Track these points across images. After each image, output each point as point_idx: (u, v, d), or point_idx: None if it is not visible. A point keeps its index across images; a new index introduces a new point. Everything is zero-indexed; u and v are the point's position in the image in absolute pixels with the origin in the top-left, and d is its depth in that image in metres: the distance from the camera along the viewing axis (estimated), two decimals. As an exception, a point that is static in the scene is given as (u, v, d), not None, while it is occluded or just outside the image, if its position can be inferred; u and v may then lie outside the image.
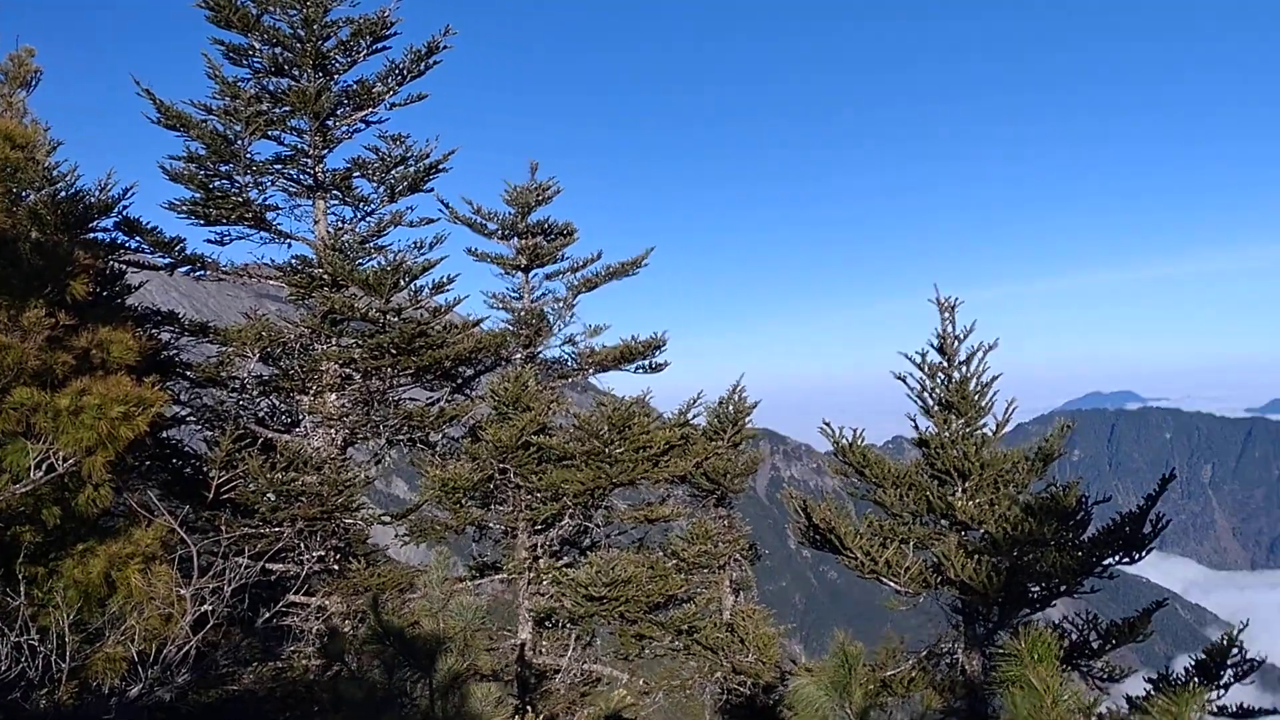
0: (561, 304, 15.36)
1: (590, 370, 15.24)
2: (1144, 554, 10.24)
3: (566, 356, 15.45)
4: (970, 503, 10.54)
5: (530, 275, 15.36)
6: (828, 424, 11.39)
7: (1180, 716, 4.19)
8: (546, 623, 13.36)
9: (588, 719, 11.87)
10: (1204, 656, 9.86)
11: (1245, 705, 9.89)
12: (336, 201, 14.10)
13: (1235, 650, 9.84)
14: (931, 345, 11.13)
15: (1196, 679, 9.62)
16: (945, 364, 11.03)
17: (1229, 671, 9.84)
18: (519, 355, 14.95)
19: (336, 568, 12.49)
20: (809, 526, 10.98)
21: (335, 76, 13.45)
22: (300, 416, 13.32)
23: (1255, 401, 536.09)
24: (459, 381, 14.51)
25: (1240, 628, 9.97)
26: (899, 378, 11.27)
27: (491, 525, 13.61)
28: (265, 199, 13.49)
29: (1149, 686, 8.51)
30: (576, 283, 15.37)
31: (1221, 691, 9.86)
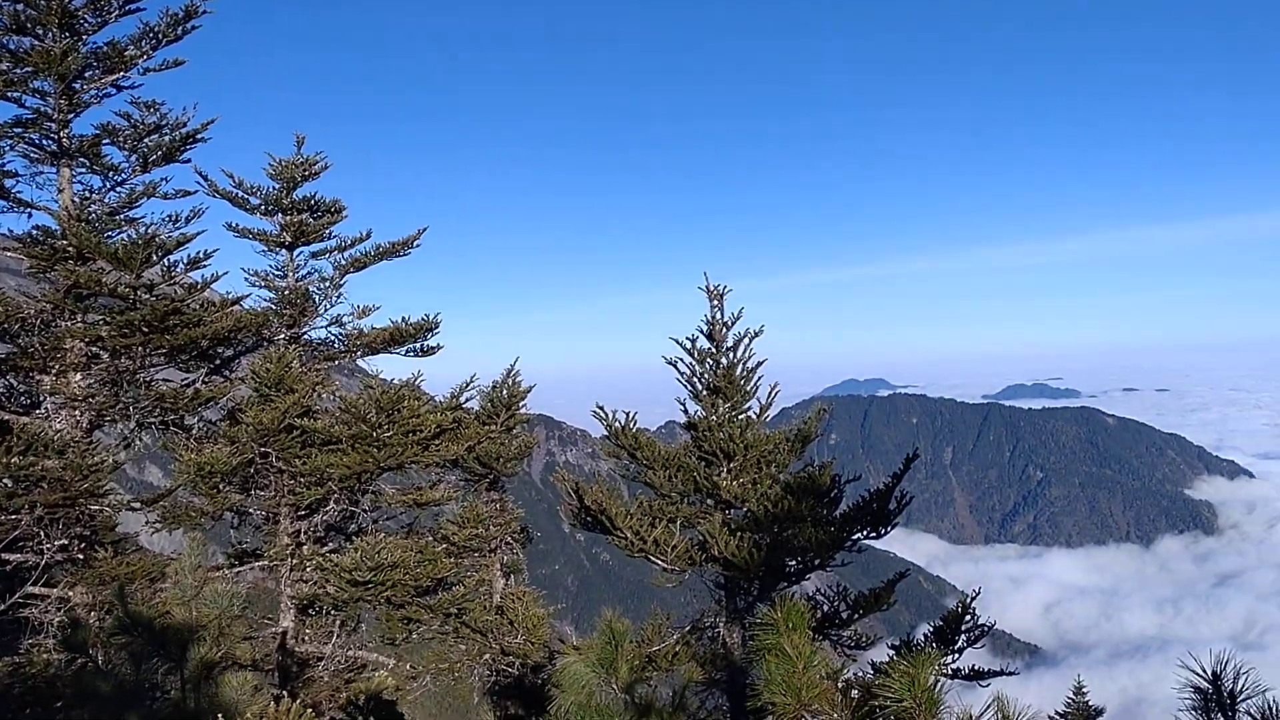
0: (328, 284, 14.84)
1: (359, 352, 14.81)
2: (889, 529, 10.96)
3: (333, 338, 14.95)
4: (735, 482, 10.95)
5: (295, 253, 14.75)
6: (601, 408, 11.56)
7: (918, 678, 4.45)
8: (310, 610, 12.95)
9: (348, 703, 11.59)
10: (941, 623, 10.69)
11: (977, 667, 10.78)
12: (84, 170, 13.09)
13: (968, 617, 10.71)
14: (701, 332, 11.46)
15: (934, 644, 10.41)
16: (714, 350, 11.39)
17: (963, 637, 10.70)
18: (282, 336, 14.35)
19: (81, 557, 11.68)
20: (581, 508, 11.11)
21: (84, 37, 12.48)
22: (41, 397, 12.35)
23: (991, 389, 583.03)
24: (217, 362, 13.80)
25: (973, 596, 10.85)
26: (670, 363, 11.54)
27: (252, 511, 13.04)
28: (4, 165, 12.40)
29: (891, 652, 9.16)
30: (344, 262, 14.88)
31: (956, 655, 10.71)
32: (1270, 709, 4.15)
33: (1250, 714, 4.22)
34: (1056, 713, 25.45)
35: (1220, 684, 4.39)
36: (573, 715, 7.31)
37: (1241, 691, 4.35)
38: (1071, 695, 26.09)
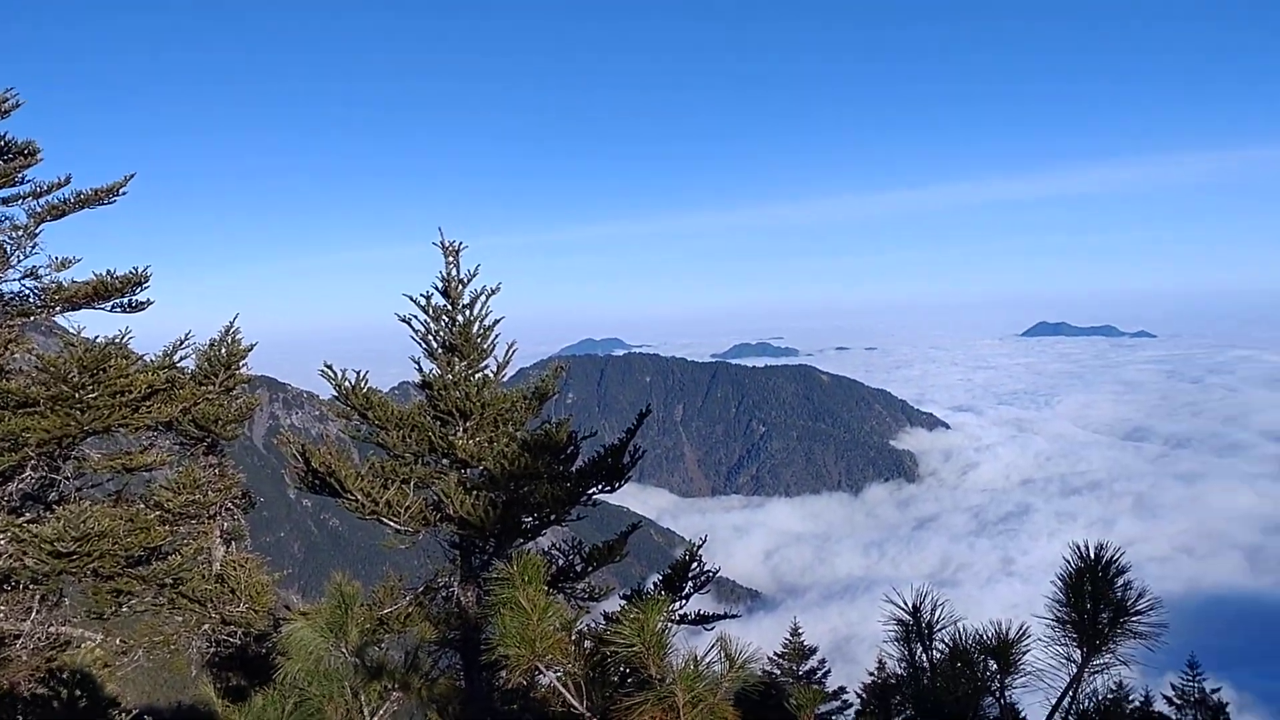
0: (21, 233, 13.38)
1: (58, 308, 13.45)
2: (622, 483, 11.21)
3: (28, 292, 13.50)
4: (471, 441, 10.84)
5: (-19, 198, 13.19)
6: (329, 367, 11.09)
7: (647, 624, 4.57)
8: (5, 585, 11.77)
9: (49, 678, 10.67)
10: (670, 572, 11.07)
11: (703, 612, 11.25)
12: None
13: (695, 565, 11.14)
14: (436, 288, 11.20)
15: (663, 592, 10.78)
16: (450, 307, 11.17)
17: (690, 584, 11.13)
18: (-35, 289, 12.83)
19: None
20: (308, 471, 10.66)
21: None
22: None
23: (719, 348, 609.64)
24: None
25: (699, 546, 11.29)
26: (404, 320, 11.22)
27: (-70, 482, 11.67)
28: None
29: (623, 602, 9.40)
30: (40, 210, 13.43)
31: (684, 601, 11.14)
32: (961, 636, 4.57)
33: (944, 641, 4.63)
34: (775, 653, 27.10)
35: (919, 616, 4.78)
36: (300, 682, 7.04)
37: (938, 622, 4.76)
38: (789, 636, 27.79)
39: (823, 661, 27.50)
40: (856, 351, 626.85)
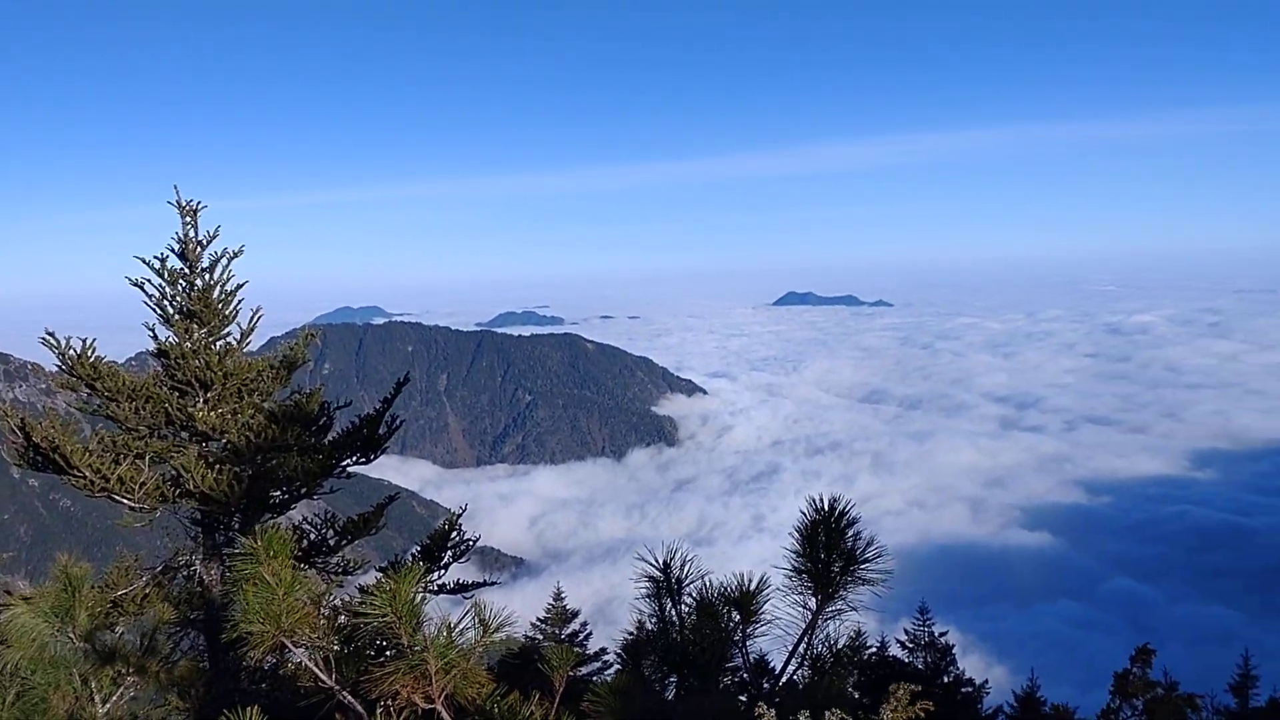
0: None
1: None
2: (378, 454, 10.95)
3: None
4: (213, 413, 10.27)
5: None
6: (51, 334, 10.19)
7: (399, 593, 4.50)
8: None
9: None
10: (428, 542, 10.92)
11: (463, 581, 11.17)
12: None
13: (454, 534, 11.04)
14: (173, 250, 10.49)
15: (422, 562, 10.62)
16: (187, 270, 10.49)
17: (449, 553, 11.02)
18: None
19: None
20: (29, 447, 9.79)
21: None
22: None
23: (484, 316, 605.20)
24: None
25: (459, 514, 11.19)
26: (136, 284, 10.45)
27: None
28: None
29: (379, 574, 9.21)
30: None
31: (443, 571, 11.02)
32: (707, 589, 4.75)
33: (693, 595, 4.80)
34: (538, 618, 27.29)
35: (670, 573, 4.93)
36: (24, 671, 6.52)
37: (687, 578, 4.92)
38: (552, 600, 28.04)
39: (585, 624, 27.92)
40: (620, 320, 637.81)
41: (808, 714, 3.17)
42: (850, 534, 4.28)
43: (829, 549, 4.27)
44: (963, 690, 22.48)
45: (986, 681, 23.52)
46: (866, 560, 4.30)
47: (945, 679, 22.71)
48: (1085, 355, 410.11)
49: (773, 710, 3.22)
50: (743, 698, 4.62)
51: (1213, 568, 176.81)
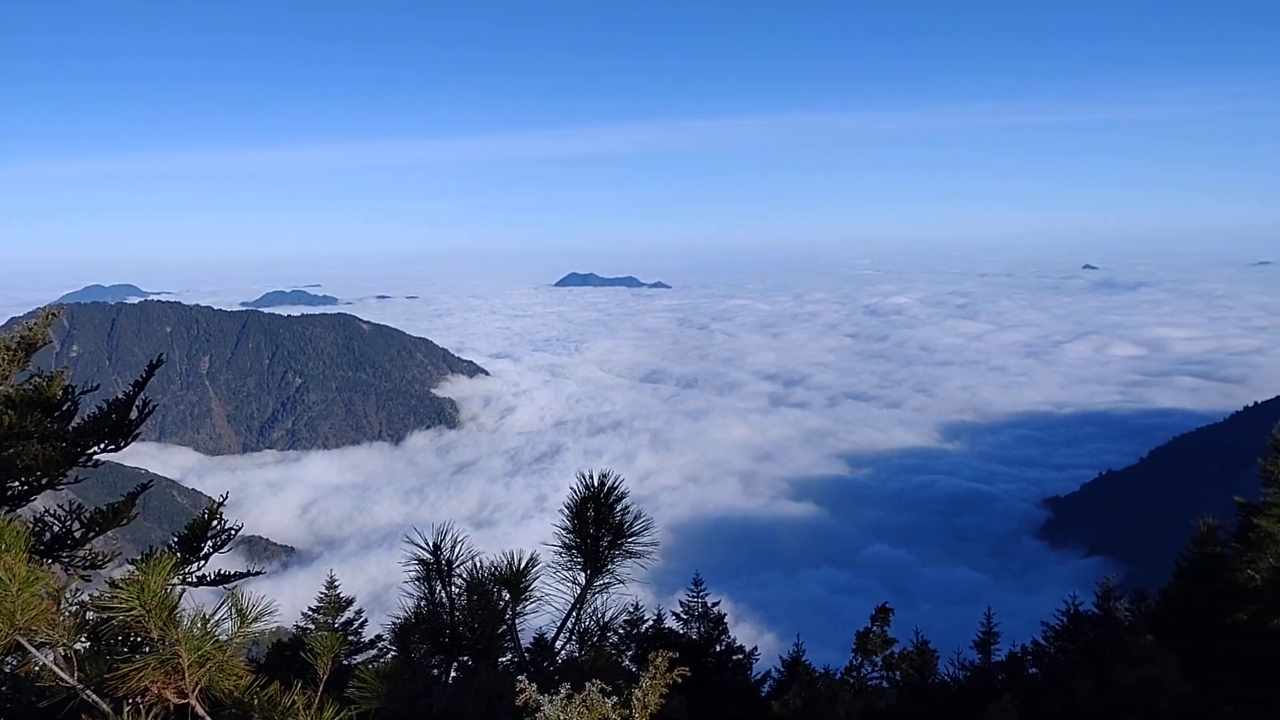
0: None
1: None
2: (129, 440, 10.24)
3: None
4: (-64, 399, 9.33)
5: None
6: None
7: (148, 586, 4.28)
8: None
9: None
10: (186, 532, 10.33)
11: (225, 572, 10.64)
12: None
13: (215, 523, 10.48)
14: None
15: (179, 553, 10.04)
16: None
17: (209, 543, 10.45)
18: None
19: None
20: None
21: None
22: None
23: (250, 296, 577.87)
24: None
25: (220, 503, 10.63)
26: None
27: None
28: None
29: (131, 567, 8.66)
30: None
31: (203, 562, 10.45)
32: (478, 569, 4.73)
33: (463, 576, 4.76)
34: (309, 608, 26.46)
35: (440, 555, 4.87)
36: None
37: (458, 559, 4.88)
38: (324, 589, 27.25)
39: (360, 611, 27.31)
40: (398, 300, 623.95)
41: (568, 686, 3.23)
42: (619, 509, 4.37)
43: (598, 524, 4.34)
44: (734, 658, 23.44)
45: (756, 648, 24.59)
46: (634, 534, 4.39)
47: (718, 647, 23.61)
48: (847, 335, 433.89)
49: (534, 685, 3.25)
50: (522, 677, 4.63)
51: (960, 532, 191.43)
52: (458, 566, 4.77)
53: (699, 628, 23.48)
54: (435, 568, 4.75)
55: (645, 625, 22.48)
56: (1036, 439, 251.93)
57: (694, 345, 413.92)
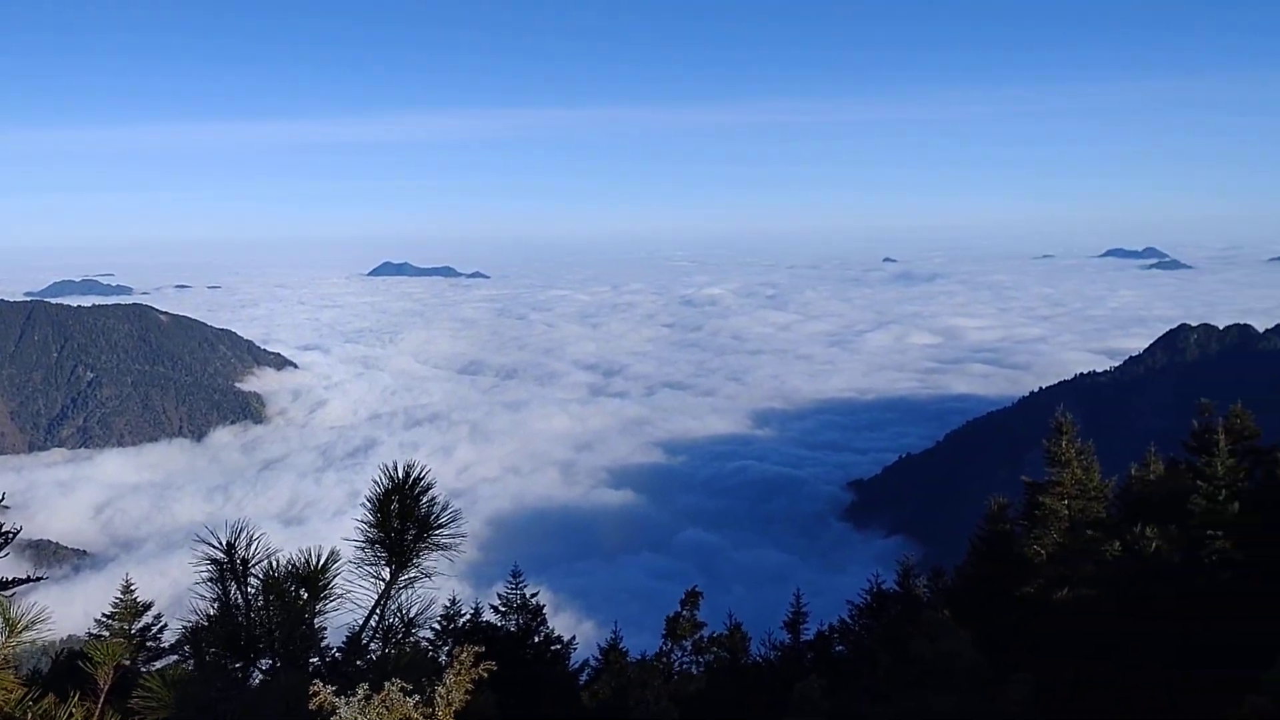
0: None
1: None
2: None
3: None
4: None
5: None
6: None
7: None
8: None
9: None
10: (-47, 539, 9.50)
11: (6, 578, 9.89)
12: None
13: (-11, 526, 9.70)
14: None
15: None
16: None
17: (-18, 548, 9.66)
18: None
19: None
20: None
21: None
22: None
23: (35, 285, 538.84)
24: None
25: (-3, 505, 9.84)
26: None
27: None
28: None
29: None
30: None
31: (-26, 570, 9.65)
32: (275, 568, 4.47)
33: (258, 575, 4.50)
34: (103, 614, 24.88)
35: (234, 553, 4.58)
36: None
37: (253, 557, 4.60)
38: (120, 594, 25.67)
39: (159, 616, 25.80)
40: (199, 290, 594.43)
41: (366, 686, 3.07)
42: (425, 500, 4.21)
43: (403, 516, 4.17)
44: (553, 648, 23.45)
45: (575, 637, 24.70)
46: (442, 526, 4.24)
47: (536, 638, 23.59)
48: (664, 325, 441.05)
49: (330, 687, 3.08)
50: (317, 680, 4.41)
51: (770, 515, 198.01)
52: (254, 565, 4.50)
53: (518, 619, 23.42)
54: (229, 567, 4.46)
55: (462, 619, 22.21)
56: (841, 424, 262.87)
57: (513, 336, 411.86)
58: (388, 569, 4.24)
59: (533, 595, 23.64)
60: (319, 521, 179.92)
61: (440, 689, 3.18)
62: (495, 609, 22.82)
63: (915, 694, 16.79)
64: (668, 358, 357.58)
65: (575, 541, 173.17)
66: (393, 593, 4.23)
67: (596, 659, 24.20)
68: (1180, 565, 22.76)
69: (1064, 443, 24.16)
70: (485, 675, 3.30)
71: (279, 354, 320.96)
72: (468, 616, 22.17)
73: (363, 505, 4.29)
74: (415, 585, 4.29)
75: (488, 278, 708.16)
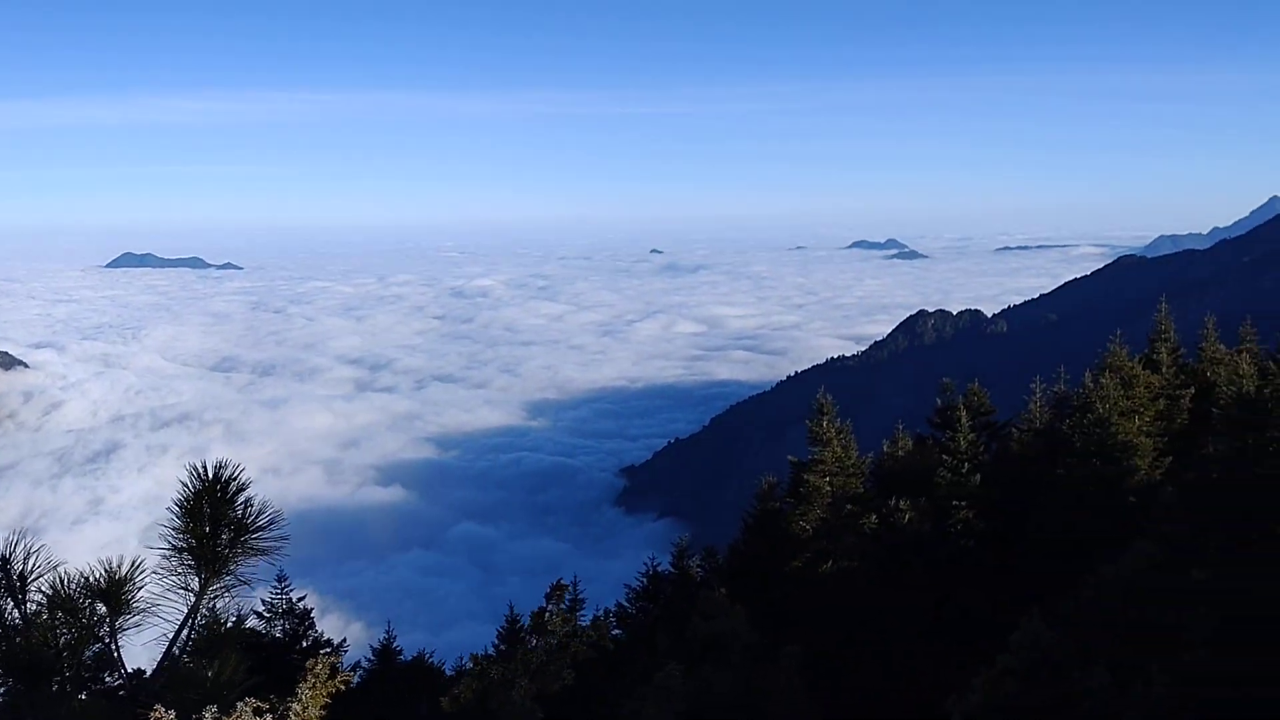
0: None
1: None
2: None
3: None
4: None
5: None
6: None
7: None
8: None
9: None
10: None
11: None
12: None
13: None
14: None
15: None
16: None
17: None
18: None
19: None
20: None
21: None
22: None
23: None
24: None
25: None
26: None
27: None
28: None
29: None
30: None
31: None
32: (63, 582, 4.11)
33: (43, 590, 4.12)
34: None
35: (9, 567, 4.18)
36: None
37: (33, 571, 4.21)
38: None
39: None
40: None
41: (214, 709, 2.88)
42: (241, 501, 3.97)
43: (215, 520, 3.91)
44: (322, 651, 22.70)
45: (345, 640, 24.03)
46: (260, 528, 4.02)
47: (304, 643, 22.79)
48: (434, 317, 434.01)
49: (171, 712, 2.87)
50: (158, 705, 4.08)
51: (544, 506, 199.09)
52: (34, 579, 4.11)
53: (284, 625, 22.64)
54: (4, 583, 4.06)
55: (222, 627, 21.09)
56: (613, 412, 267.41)
57: (270, 330, 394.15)
58: (197, 578, 3.97)
59: (300, 599, 22.88)
60: (58, 532, 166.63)
61: (295, 705, 3.01)
62: (259, 615, 21.88)
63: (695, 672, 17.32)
64: (438, 350, 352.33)
65: (342, 542, 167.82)
66: (204, 603, 3.97)
67: (369, 660, 23.65)
68: (930, 535, 24.54)
69: (825, 422, 25.52)
70: (343, 688, 3.16)
71: (6, 353, 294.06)
72: (229, 624, 21.07)
73: (169, 509, 4.00)
74: (231, 593, 4.05)
75: (241, 269, 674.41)
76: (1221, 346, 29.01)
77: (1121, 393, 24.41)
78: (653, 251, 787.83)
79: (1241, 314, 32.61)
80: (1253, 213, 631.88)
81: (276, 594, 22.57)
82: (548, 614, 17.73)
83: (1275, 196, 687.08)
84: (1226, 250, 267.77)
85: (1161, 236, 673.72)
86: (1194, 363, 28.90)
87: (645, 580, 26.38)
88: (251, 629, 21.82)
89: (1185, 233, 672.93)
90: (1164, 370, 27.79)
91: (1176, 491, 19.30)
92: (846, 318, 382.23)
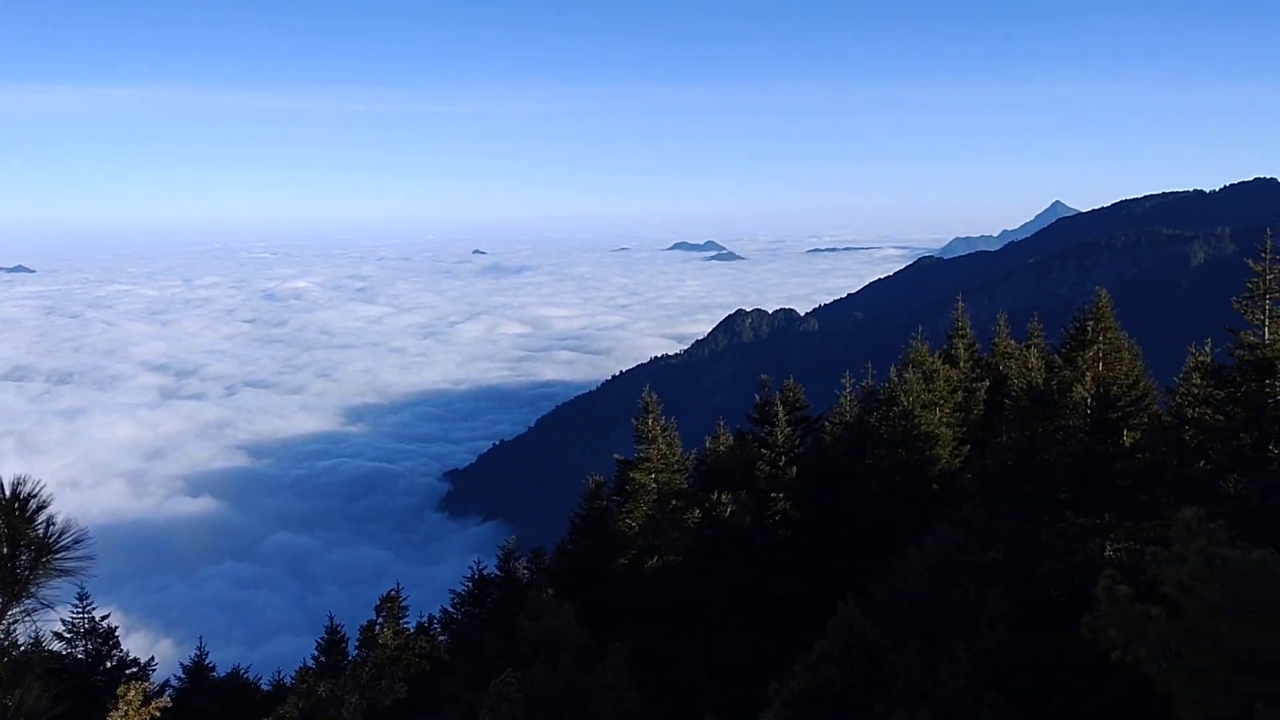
0: None
1: None
2: None
3: None
4: None
5: None
6: None
7: None
8: None
9: None
10: None
11: None
12: None
13: None
14: None
15: None
16: None
17: None
18: None
19: None
20: None
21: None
22: None
23: None
24: None
25: None
26: None
27: None
28: None
29: None
30: None
31: None
32: None
33: None
34: None
35: None
36: None
37: None
38: None
39: None
40: None
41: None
42: (42, 519, 3.78)
43: (15, 540, 3.71)
44: (128, 672, 21.60)
45: (153, 658, 22.94)
46: (64, 547, 3.84)
47: (109, 664, 21.66)
48: (244, 321, 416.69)
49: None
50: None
51: (364, 513, 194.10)
52: None
53: (86, 645, 21.53)
54: None
55: (15, 651, 19.77)
56: (437, 415, 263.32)
57: (66, 336, 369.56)
58: (-3, 601, 3.76)
59: (103, 618, 21.81)
60: None
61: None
62: (59, 636, 20.65)
63: (524, 673, 17.32)
64: (249, 355, 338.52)
65: (149, 557, 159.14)
66: (2, 629, 3.75)
67: (179, 678, 22.67)
68: (750, 527, 25.35)
69: (650, 421, 26.02)
70: (158, 714, 3.05)
71: None
72: (24, 647, 19.81)
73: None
74: (33, 616, 3.84)
75: (33, 272, 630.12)
76: (1012, 341, 31.14)
77: (923, 386, 25.85)
78: (475, 252, 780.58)
79: (1029, 311, 35.16)
80: (1038, 216, 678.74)
81: (78, 613, 21.40)
82: (377, 627, 17.34)
83: (1058, 201, 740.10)
84: (1015, 251, 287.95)
85: (956, 239, 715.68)
86: (988, 357, 30.90)
87: (471, 585, 26.22)
88: (53, 652, 20.54)
89: (978, 235, 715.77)
90: (961, 364, 29.59)
91: (974, 478, 20.62)
92: (669, 317, 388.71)
